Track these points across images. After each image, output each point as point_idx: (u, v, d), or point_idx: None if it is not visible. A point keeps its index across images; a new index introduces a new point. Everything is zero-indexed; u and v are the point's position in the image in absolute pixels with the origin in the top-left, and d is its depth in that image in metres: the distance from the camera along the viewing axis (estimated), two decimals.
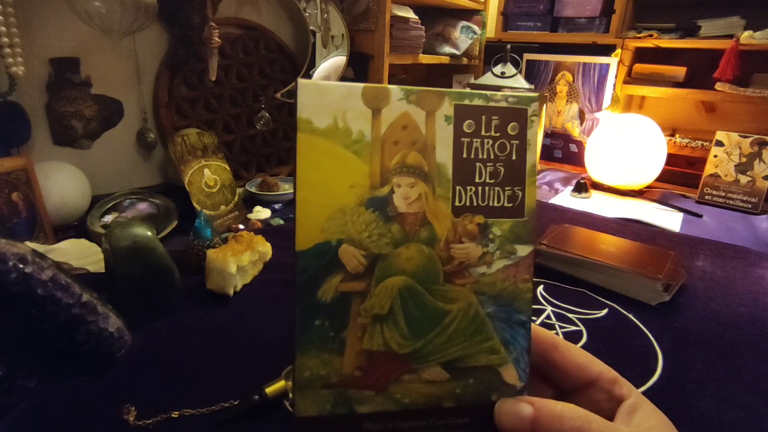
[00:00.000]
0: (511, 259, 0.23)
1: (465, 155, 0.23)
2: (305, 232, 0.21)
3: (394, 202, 0.22)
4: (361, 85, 0.21)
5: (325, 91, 0.21)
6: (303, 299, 0.21)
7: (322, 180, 0.21)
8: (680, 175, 1.55)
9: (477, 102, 0.23)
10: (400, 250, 0.22)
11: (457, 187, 0.23)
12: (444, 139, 0.22)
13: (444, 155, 0.23)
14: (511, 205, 0.23)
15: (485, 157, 0.23)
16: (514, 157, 0.23)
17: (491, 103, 0.23)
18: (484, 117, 0.23)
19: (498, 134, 0.23)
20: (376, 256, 0.22)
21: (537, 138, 0.24)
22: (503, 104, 0.23)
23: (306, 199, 0.21)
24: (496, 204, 0.23)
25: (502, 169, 0.23)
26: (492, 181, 0.23)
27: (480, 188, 0.23)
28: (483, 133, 0.23)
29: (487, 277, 0.23)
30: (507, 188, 0.23)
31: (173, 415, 0.46)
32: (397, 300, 0.22)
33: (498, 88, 1.29)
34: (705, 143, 1.51)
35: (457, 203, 0.23)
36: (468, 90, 0.23)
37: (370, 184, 0.22)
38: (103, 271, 0.62)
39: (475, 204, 0.23)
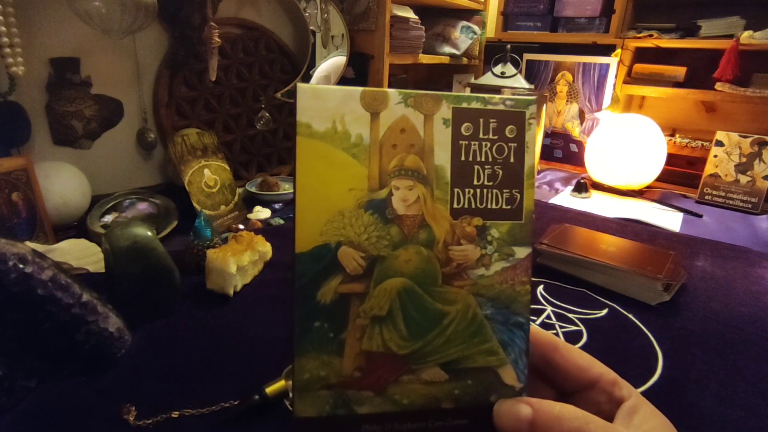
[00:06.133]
0: (509, 262, 0.23)
1: (463, 158, 0.23)
2: (304, 234, 0.21)
3: (392, 205, 0.22)
4: (360, 89, 0.22)
5: (323, 95, 0.21)
6: (302, 301, 0.21)
7: (321, 183, 0.21)
8: (680, 175, 1.55)
9: (475, 105, 0.23)
10: (399, 252, 0.22)
11: (456, 190, 0.23)
12: (442, 142, 0.23)
13: (442, 158, 0.23)
14: (509, 207, 0.23)
15: (483, 159, 0.23)
16: (512, 160, 0.23)
17: (489, 107, 0.23)
18: (482, 120, 0.23)
19: (496, 137, 0.23)
20: (375, 258, 0.22)
21: (535, 140, 0.24)
22: (501, 107, 0.23)
23: (305, 202, 0.21)
24: (494, 206, 0.23)
25: (500, 172, 0.23)
26: (490, 183, 0.23)
27: (478, 191, 0.23)
28: (481, 135, 0.23)
29: (485, 279, 0.23)
30: (505, 191, 0.23)
31: (173, 415, 0.47)
32: (396, 301, 0.22)
33: (498, 88, 1.29)
34: (705, 143, 1.51)
35: (455, 205, 0.23)
36: (466, 93, 0.23)
37: (369, 187, 0.22)
38: (103, 271, 0.62)
39: (473, 206, 0.23)
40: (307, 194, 0.21)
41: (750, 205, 1.34)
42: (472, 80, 1.54)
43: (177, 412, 0.47)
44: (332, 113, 0.21)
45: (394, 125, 0.22)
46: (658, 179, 1.46)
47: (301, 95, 0.21)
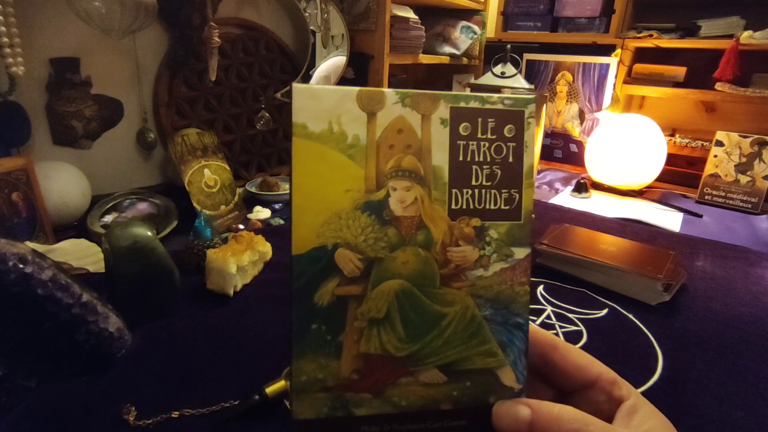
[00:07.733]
0: (508, 262, 0.23)
1: (461, 158, 0.23)
2: (301, 236, 0.21)
3: (389, 206, 0.22)
4: (356, 89, 0.21)
5: (319, 95, 0.21)
6: (299, 304, 0.21)
7: (317, 185, 0.21)
8: (680, 175, 1.55)
9: (473, 104, 0.23)
10: (397, 254, 0.22)
11: (454, 190, 0.23)
12: (440, 142, 0.22)
13: (440, 158, 0.22)
14: (507, 207, 0.23)
15: (482, 159, 0.23)
16: (510, 160, 0.23)
17: (487, 106, 0.23)
18: (480, 119, 0.23)
19: (494, 137, 0.23)
20: (372, 260, 0.22)
21: (534, 140, 0.23)
22: (499, 106, 0.23)
23: (301, 204, 0.21)
24: (492, 207, 0.23)
25: (499, 172, 0.23)
26: (488, 183, 0.23)
27: (476, 191, 0.23)
28: (479, 135, 0.23)
29: (483, 280, 0.23)
30: (504, 191, 0.23)
31: (173, 415, 0.47)
32: (394, 303, 0.22)
33: (498, 88, 1.28)
34: (705, 143, 1.51)
35: (453, 206, 0.23)
36: (464, 93, 0.23)
37: (366, 188, 0.22)
38: (103, 271, 0.62)
39: (471, 207, 0.23)
40: (303, 196, 0.21)
41: (750, 205, 1.33)
42: (472, 80, 1.54)
43: (177, 412, 0.47)
44: (328, 114, 0.21)
45: (391, 125, 0.22)
46: (658, 179, 1.46)
47: (297, 96, 0.21)
